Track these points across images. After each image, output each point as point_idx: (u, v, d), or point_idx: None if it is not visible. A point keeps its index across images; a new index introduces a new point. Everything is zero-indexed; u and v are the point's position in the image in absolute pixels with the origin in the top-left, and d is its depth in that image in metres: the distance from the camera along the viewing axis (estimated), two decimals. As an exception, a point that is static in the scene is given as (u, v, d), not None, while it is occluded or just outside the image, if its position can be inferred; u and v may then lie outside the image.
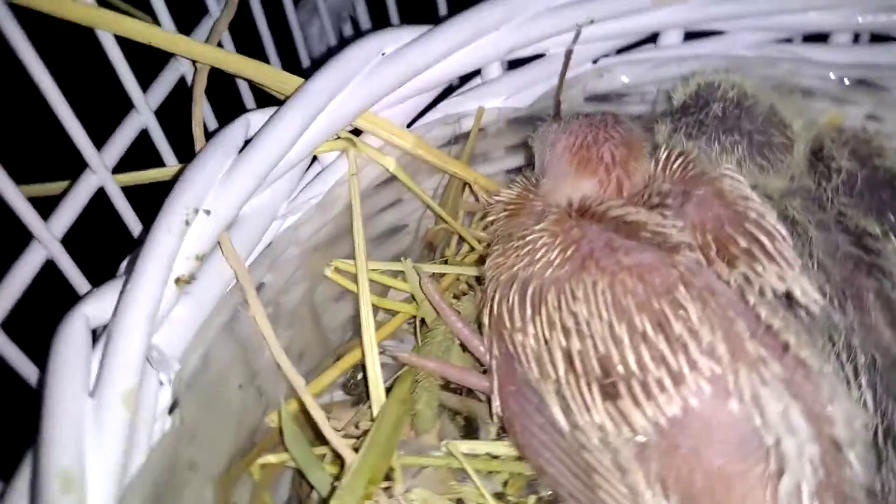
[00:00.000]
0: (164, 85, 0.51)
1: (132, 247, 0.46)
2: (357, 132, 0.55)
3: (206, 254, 0.43)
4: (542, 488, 0.48)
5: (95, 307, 0.39)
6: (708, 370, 0.38)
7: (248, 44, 0.67)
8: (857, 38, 0.64)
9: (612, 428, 0.40)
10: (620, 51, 0.64)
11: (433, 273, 0.56)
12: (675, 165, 0.47)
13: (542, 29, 0.57)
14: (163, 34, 0.46)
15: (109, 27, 0.44)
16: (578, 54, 0.60)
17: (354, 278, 0.52)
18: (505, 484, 0.51)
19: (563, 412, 0.42)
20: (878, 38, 0.63)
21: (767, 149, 0.51)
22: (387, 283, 0.54)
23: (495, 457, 0.50)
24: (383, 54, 0.52)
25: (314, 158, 0.54)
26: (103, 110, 0.51)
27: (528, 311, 0.43)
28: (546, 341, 0.42)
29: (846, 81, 0.61)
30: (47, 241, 0.45)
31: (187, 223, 0.41)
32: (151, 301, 0.38)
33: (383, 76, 0.52)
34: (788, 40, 0.63)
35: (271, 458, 0.48)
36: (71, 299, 0.41)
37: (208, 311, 0.44)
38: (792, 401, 0.37)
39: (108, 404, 0.35)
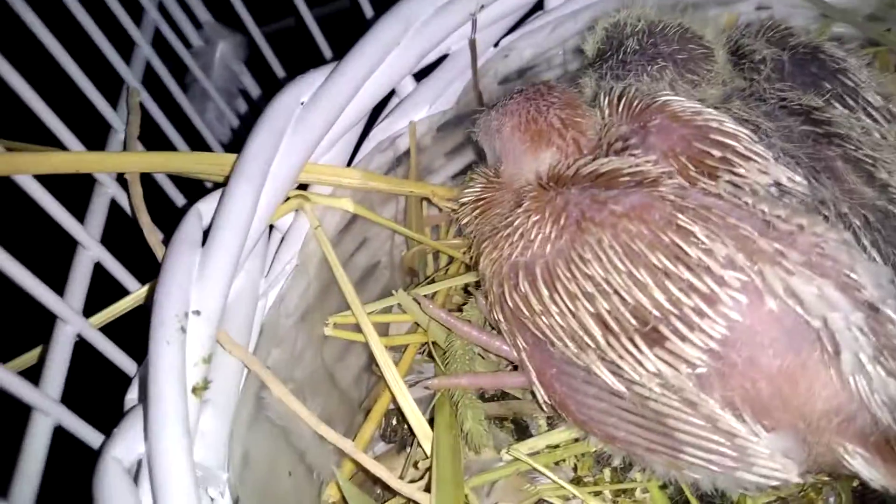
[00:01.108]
0: (98, 213, 0.48)
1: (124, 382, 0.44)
2: (303, 187, 0.53)
3: (210, 354, 0.41)
4: (613, 458, 0.48)
5: (123, 447, 0.36)
6: (736, 281, 0.38)
7: (155, 144, 0.65)
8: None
9: (670, 371, 0.40)
10: (514, 28, 0.65)
11: (426, 294, 0.55)
12: (621, 106, 0.47)
13: (439, 29, 0.57)
14: (92, 157, 0.44)
15: (32, 168, 0.42)
16: (480, 42, 0.61)
17: (355, 328, 0.51)
18: (575, 468, 0.50)
19: (614, 375, 0.41)
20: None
21: (692, 63, 0.52)
22: (387, 321, 0.53)
23: (556, 447, 0.49)
24: (302, 103, 0.51)
25: (271, 228, 0.53)
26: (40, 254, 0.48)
27: (545, 292, 0.43)
28: (573, 314, 0.42)
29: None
30: (49, 408, 0.42)
31: (183, 330, 0.39)
32: (179, 418, 0.36)
33: (311, 124, 0.51)
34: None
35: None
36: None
37: (233, 411, 0.41)
38: (822, 280, 0.38)
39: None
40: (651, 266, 0.39)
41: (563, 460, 0.50)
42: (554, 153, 0.48)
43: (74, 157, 0.43)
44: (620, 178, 0.43)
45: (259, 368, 0.42)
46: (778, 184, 0.42)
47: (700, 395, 0.39)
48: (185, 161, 0.47)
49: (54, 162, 0.42)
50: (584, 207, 0.42)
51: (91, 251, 0.48)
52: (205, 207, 0.46)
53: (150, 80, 0.69)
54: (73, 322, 0.44)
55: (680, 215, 0.40)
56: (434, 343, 0.53)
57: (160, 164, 0.47)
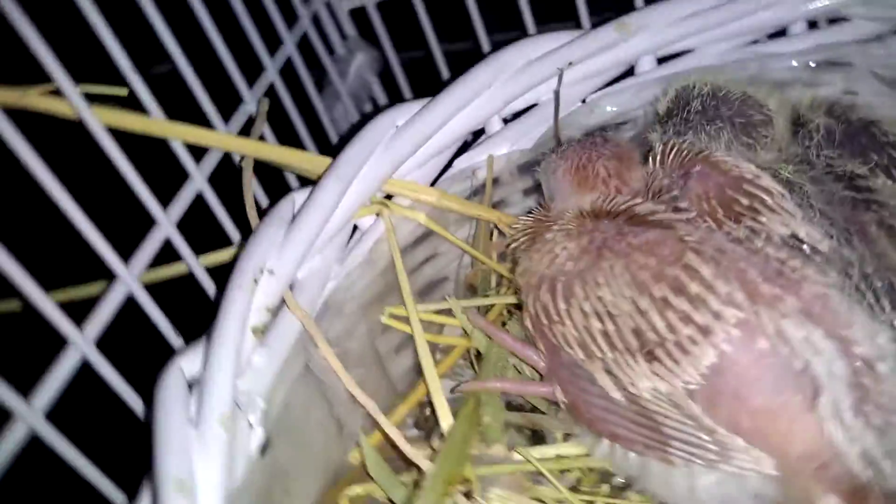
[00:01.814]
0: (181, 203, 0.59)
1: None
2: (388, 198, 0.62)
3: (275, 306, 0.50)
4: (615, 477, 0.51)
5: (189, 360, 0.45)
6: (732, 317, 0.42)
7: (281, 129, 0.77)
8: (813, 25, 0.70)
9: (663, 385, 0.43)
10: (606, 87, 0.71)
11: (478, 307, 0.61)
12: (671, 157, 0.52)
13: (529, 79, 0.65)
14: (219, 136, 0.55)
15: (172, 134, 0.54)
16: (568, 97, 0.68)
17: (408, 322, 0.58)
18: (579, 481, 0.53)
19: (614, 385, 0.46)
20: (833, 20, 0.68)
21: (750, 128, 0.56)
22: (437, 321, 0.60)
23: (564, 457, 0.53)
24: (397, 126, 0.61)
25: (355, 228, 0.62)
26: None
27: (563, 306, 0.48)
28: (584, 328, 0.47)
29: (812, 65, 0.66)
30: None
31: (256, 281, 0.49)
32: (234, 345, 0.45)
33: (400, 144, 0.60)
34: (754, 42, 0.70)
35: (357, 489, 0.52)
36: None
37: (284, 357, 0.50)
38: (813, 326, 0.41)
39: (209, 428, 0.41)
40: (653, 295, 0.44)
41: (569, 471, 0.53)
42: (596, 198, 0.53)
43: (204, 133, 0.55)
44: (649, 218, 0.48)
45: (312, 327, 0.51)
46: (796, 237, 0.45)
47: (687, 400, 0.42)
48: (289, 155, 0.58)
49: (189, 133, 0.54)
50: (607, 237, 0.47)
51: (164, 230, 0.56)
52: (299, 197, 0.56)
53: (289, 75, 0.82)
54: (126, 279, 0.53)
55: (690, 254, 0.44)
56: (477, 353, 0.59)
57: (270, 153, 0.57)
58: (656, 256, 0.45)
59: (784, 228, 0.46)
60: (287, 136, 0.58)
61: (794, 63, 0.68)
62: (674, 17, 0.67)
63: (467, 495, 0.50)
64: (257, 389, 0.47)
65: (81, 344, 0.47)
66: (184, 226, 0.58)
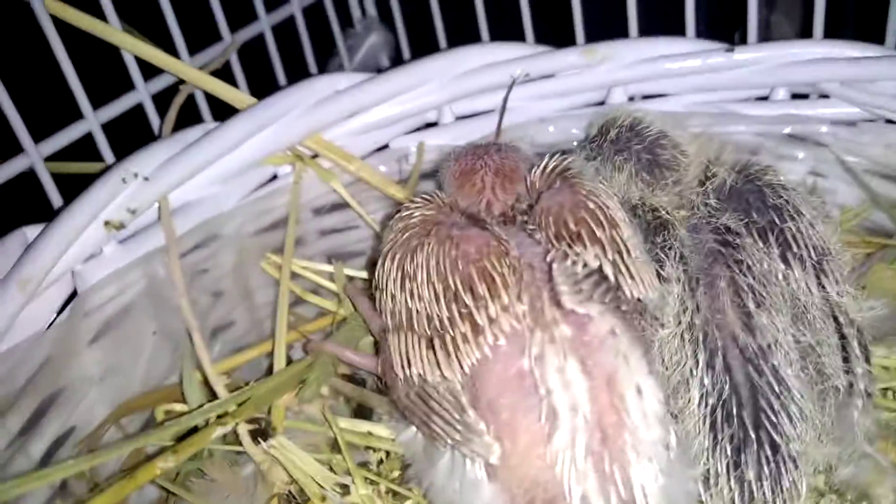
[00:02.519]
0: (116, 107, 0.65)
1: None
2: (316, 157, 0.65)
3: (137, 209, 0.53)
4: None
5: (35, 230, 0.49)
6: (507, 325, 0.42)
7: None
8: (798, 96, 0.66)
9: (430, 375, 0.43)
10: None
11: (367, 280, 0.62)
12: (547, 173, 0.51)
13: (481, 81, 0.66)
14: (156, 53, 0.60)
15: (112, 38, 0.58)
16: (527, 110, 0.68)
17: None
18: (380, 462, 0.53)
19: (399, 361, 0.46)
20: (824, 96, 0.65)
21: (654, 166, 0.54)
22: (311, 277, 0.61)
23: (370, 434, 0.53)
24: (336, 91, 0.63)
25: (275, 177, 0.65)
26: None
27: (387, 274, 0.48)
28: (400, 303, 0.47)
29: (786, 132, 0.64)
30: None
31: (124, 181, 0.52)
32: (73, 226, 0.49)
33: (330, 106, 0.62)
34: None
35: (174, 406, 0.54)
36: None
37: (135, 258, 0.53)
38: (573, 359, 0.39)
39: (8, 286, 0.44)
40: (448, 285, 0.44)
41: (375, 450, 0.53)
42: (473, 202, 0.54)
43: (152, 51, 0.60)
44: (485, 219, 0.48)
45: (169, 233, 0.53)
46: (601, 272, 0.44)
47: (455, 388, 0.42)
48: (224, 91, 0.61)
49: (137, 46, 0.60)
50: (441, 225, 0.47)
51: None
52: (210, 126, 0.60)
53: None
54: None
55: (492, 257, 0.44)
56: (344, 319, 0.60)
57: (206, 83, 0.61)
58: (460, 251, 0.45)
59: (594, 261, 0.44)
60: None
61: (763, 129, 0.65)
62: (645, 55, 0.66)
63: (259, 433, 0.51)
64: (97, 277, 0.51)
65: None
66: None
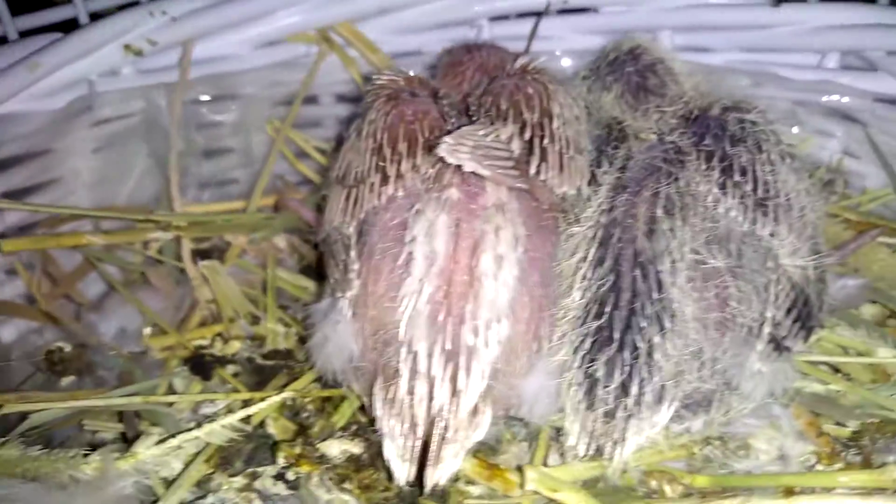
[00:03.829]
0: None
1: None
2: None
3: (159, 43, 0.59)
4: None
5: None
6: (410, 181, 0.43)
7: None
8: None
9: (337, 221, 0.45)
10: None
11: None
12: (518, 68, 0.51)
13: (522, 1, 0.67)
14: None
15: None
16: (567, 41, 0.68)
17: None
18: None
19: (326, 213, 0.48)
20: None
21: (641, 90, 0.53)
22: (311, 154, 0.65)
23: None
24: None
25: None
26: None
27: (347, 136, 0.51)
28: (342, 157, 0.49)
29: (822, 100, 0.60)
30: None
31: (151, 14, 0.58)
32: (93, 39, 0.56)
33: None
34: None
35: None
36: None
37: (148, 84, 0.59)
38: (446, 217, 0.39)
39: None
40: (375, 139, 0.45)
41: (304, 304, 0.55)
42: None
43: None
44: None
45: (184, 75, 0.59)
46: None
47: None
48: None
49: None
50: (397, 91, 0.49)
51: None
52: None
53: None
54: None
55: (424, 123, 0.45)
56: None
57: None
58: (399, 111, 0.46)
59: (506, 135, 0.44)
60: None
61: (801, 97, 0.61)
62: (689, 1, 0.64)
63: (202, 255, 0.55)
64: (109, 91, 0.58)
65: None
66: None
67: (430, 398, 0.37)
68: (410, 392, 0.37)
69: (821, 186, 0.58)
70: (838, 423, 0.43)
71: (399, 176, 0.43)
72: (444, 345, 0.37)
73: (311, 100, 0.69)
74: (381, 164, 0.44)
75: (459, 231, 0.40)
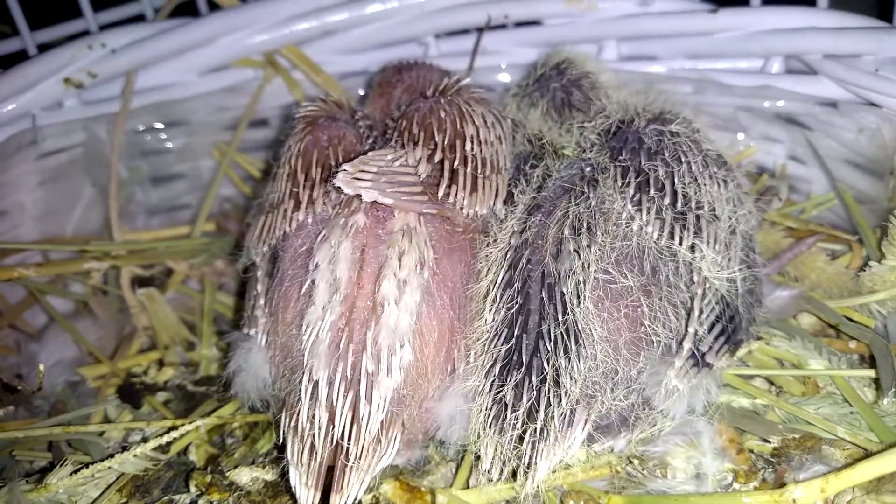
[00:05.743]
0: None
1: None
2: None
3: (98, 75, 0.60)
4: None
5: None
6: (320, 207, 0.43)
7: None
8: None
9: (253, 249, 0.46)
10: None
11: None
12: (441, 89, 0.51)
13: (461, 18, 0.66)
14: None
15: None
16: (513, 55, 0.68)
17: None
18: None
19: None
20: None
21: (566, 106, 0.53)
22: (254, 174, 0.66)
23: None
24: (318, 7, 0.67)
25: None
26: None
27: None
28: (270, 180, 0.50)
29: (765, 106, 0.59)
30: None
31: (90, 48, 0.59)
32: (32, 74, 0.56)
33: (310, 20, 0.66)
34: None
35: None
36: None
37: (92, 116, 0.60)
38: (349, 244, 0.40)
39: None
40: (291, 162, 0.46)
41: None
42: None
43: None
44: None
45: (125, 105, 0.60)
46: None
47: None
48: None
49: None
50: (317, 118, 0.49)
51: None
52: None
53: None
54: None
55: (339, 147, 0.46)
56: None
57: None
58: (315, 137, 0.47)
59: (413, 160, 0.44)
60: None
61: (744, 103, 0.60)
62: (629, 10, 0.63)
63: (142, 283, 0.56)
64: (53, 125, 0.59)
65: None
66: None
67: (332, 425, 0.37)
68: (311, 420, 0.37)
69: (762, 193, 0.57)
70: (764, 440, 0.43)
71: (311, 201, 0.44)
72: (345, 372, 0.37)
73: (261, 123, 0.69)
74: (294, 189, 0.45)
75: (364, 257, 0.40)
